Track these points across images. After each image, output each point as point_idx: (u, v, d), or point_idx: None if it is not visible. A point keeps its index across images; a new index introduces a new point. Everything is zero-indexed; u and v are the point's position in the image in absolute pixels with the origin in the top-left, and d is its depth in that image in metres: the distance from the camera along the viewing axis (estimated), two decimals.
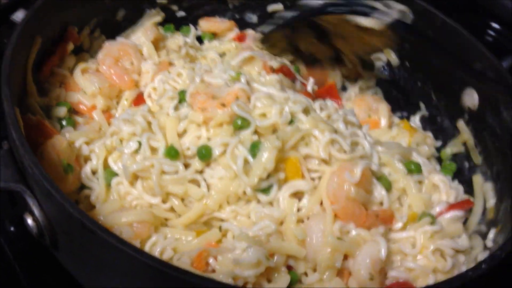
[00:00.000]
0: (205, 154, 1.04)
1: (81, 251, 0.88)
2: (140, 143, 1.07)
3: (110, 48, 1.30)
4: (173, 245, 0.96)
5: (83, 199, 1.05)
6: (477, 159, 1.31)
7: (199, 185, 1.05)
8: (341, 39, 1.40)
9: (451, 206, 1.16)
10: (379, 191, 1.11)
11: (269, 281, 0.95)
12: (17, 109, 0.96)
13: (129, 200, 1.03)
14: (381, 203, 1.11)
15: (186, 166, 1.07)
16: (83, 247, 0.86)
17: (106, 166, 1.08)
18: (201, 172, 1.06)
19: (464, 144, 1.35)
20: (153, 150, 1.07)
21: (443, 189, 1.21)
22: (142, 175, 1.04)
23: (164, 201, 1.04)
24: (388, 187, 1.12)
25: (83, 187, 1.08)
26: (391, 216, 1.11)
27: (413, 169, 1.19)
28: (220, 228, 1.00)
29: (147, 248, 0.96)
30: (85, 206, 1.04)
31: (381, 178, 1.13)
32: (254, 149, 1.02)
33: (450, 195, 1.21)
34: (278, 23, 1.31)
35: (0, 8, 1.55)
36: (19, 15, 1.54)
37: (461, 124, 1.37)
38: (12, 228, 1.08)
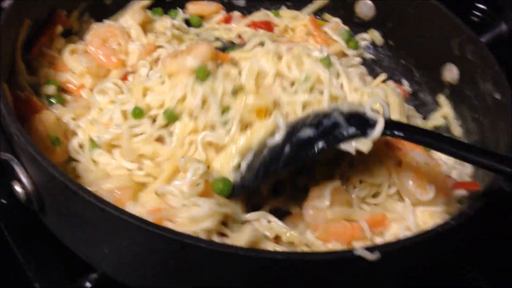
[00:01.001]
0: (170, 116, 1.10)
1: (66, 213, 0.92)
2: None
3: (97, 30, 1.34)
4: (139, 212, 0.98)
5: (71, 170, 1.09)
6: (457, 130, 1.34)
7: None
8: None
9: (460, 184, 1.13)
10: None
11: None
12: (5, 84, 1.01)
13: (109, 170, 1.08)
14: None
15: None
16: (67, 209, 0.90)
17: (92, 139, 1.13)
18: (166, 126, 1.11)
19: (445, 117, 1.39)
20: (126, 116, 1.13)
21: (446, 166, 1.20)
22: (116, 143, 1.08)
23: (141, 168, 1.08)
24: None
25: (70, 159, 1.12)
26: (383, 219, 1.09)
27: None
28: (157, 193, 1.02)
29: None
30: (72, 177, 1.07)
31: None
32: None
33: (454, 173, 1.19)
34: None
35: None
36: (7, 1, 1.58)
37: (441, 98, 1.41)
38: (3, 200, 1.12)
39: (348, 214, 1.07)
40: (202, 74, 1.13)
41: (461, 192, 1.12)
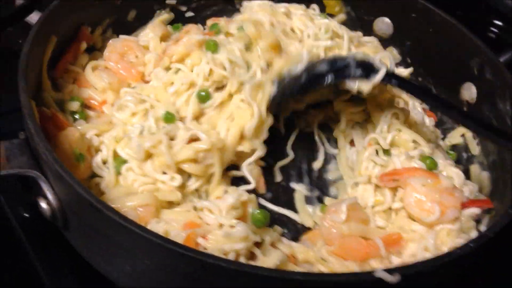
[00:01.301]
0: (204, 96, 1.21)
1: (90, 230, 0.94)
2: (142, 127, 1.16)
3: (114, 45, 1.37)
4: (164, 228, 1.01)
5: (94, 186, 1.11)
6: (475, 150, 1.35)
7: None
8: None
9: (472, 202, 1.14)
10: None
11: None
12: (32, 102, 1.04)
13: (136, 186, 1.09)
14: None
15: None
16: (91, 226, 0.92)
17: (116, 156, 1.15)
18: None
19: (463, 135, 1.39)
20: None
21: (457, 182, 1.21)
22: (154, 151, 1.10)
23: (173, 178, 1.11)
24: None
25: (94, 176, 1.14)
26: (398, 238, 1.11)
27: (429, 164, 1.21)
28: (195, 208, 1.05)
29: None
30: (96, 193, 1.09)
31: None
32: None
33: (465, 190, 1.20)
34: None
35: (15, 10, 1.63)
36: (33, 17, 1.62)
37: None
38: (26, 214, 1.14)
39: (363, 231, 1.08)
40: (213, 46, 1.24)
41: (475, 210, 1.13)
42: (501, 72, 1.27)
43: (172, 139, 1.13)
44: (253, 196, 1.09)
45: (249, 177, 1.20)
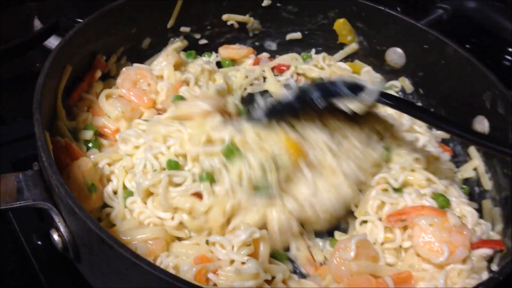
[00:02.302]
0: (207, 177, 1.13)
1: (100, 264, 0.95)
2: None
3: (127, 73, 1.39)
4: (174, 262, 1.01)
5: (105, 216, 1.12)
6: (487, 184, 1.34)
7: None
8: None
9: (483, 243, 1.13)
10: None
11: None
12: (47, 133, 1.05)
13: (142, 219, 1.10)
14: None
15: None
16: (102, 260, 0.92)
17: (124, 186, 1.16)
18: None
19: (475, 169, 1.38)
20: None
21: (470, 221, 1.19)
22: (154, 191, 1.10)
23: (173, 218, 1.11)
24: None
25: (105, 205, 1.15)
26: (408, 277, 1.09)
27: (441, 202, 1.20)
28: (207, 242, 1.05)
29: None
30: (106, 223, 1.11)
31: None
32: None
33: (477, 229, 1.19)
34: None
35: (34, 35, 1.66)
36: (51, 41, 1.65)
37: (472, 150, 1.40)
38: (39, 242, 1.15)
39: (373, 269, 1.07)
40: (230, 153, 1.15)
41: (487, 251, 1.11)
42: None
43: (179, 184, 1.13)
44: (265, 232, 1.08)
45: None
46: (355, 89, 1.18)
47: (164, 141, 1.20)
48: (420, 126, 1.43)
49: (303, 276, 1.14)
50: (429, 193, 1.21)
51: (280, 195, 1.14)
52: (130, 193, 1.14)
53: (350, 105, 1.17)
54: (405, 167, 1.26)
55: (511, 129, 1.26)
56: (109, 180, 1.18)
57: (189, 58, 1.55)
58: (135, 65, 1.44)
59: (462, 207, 1.22)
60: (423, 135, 1.40)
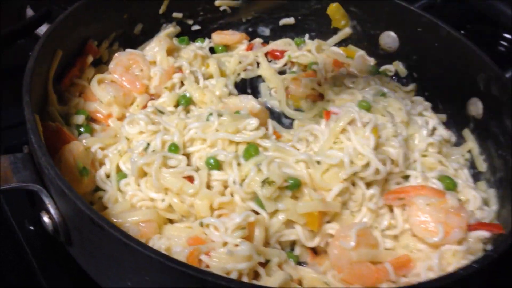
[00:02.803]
0: (214, 164, 1.12)
1: (92, 246, 0.94)
2: (148, 144, 1.16)
3: (120, 58, 1.38)
4: (166, 244, 1.01)
5: (97, 200, 1.12)
6: (482, 166, 1.33)
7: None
8: None
9: (481, 225, 1.12)
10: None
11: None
12: (37, 116, 1.04)
13: (134, 202, 1.10)
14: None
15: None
16: (93, 242, 0.92)
17: (118, 170, 1.15)
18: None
19: (469, 151, 1.38)
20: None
21: (472, 205, 1.20)
22: (148, 171, 1.10)
23: (163, 200, 1.10)
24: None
25: (98, 189, 1.14)
26: (407, 261, 1.09)
27: (448, 184, 1.20)
28: (201, 224, 1.04)
29: None
30: (98, 207, 1.10)
31: None
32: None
33: (477, 212, 1.19)
34: None
35: (26, 23, 1.65)
36: (43, 29, 1.63)
37: (466, 132, 1.40)
38: (31, 227, 1.15)
39: (373, 256, 1.07)
40: (249, 153, 1.14)
41: (484, 233, 1.10)
42: (507, 88, 1.26)
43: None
44: (261, 217, 1.07)
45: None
46: None
47: (184, 128, 1.20)
48: (427, 110, 1.45)
49: (300, 264, 1.13)
50: (436, 176, 1.21)
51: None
52: (124, 175, 1.14)
53: None
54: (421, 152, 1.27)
55: (504, 110, 1.26)
56: (102, 164, 1.18)
57: (182, 44, 1.55)
58: (128, 50, 1.43)
59: (467, 191, 1.22)
60: (432, 118, 1.41)
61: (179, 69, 1.43)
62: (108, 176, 1.16)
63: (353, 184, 1.15)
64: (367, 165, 1.14)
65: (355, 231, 1.05)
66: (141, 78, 1.37)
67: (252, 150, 1.13)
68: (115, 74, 1.36)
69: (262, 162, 1.10)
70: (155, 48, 1.45)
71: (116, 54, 1.40)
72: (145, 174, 1.12)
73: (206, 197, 1.08)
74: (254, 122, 1.18)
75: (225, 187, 1.12)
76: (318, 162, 1.15)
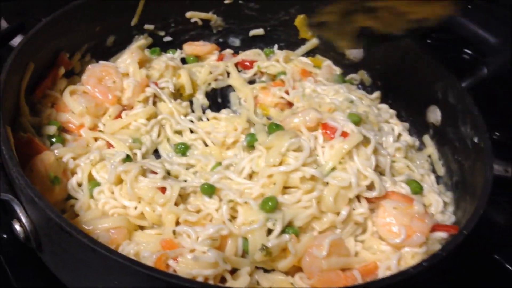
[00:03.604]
0: (208, 190, 1.16)
1: (62, 252, 0.98)
2: (128, 156, 1.20)
3: (92, 70, 1.41)
4: (135, 250, 1.05)
5: (69, 208, 1.15)
6: (440, 170, 1.40)
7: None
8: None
9: (439, 227, 1.16)
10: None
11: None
12: (8, 128, 1.08)
13: (107, 209, 1.13)
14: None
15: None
16: (63, 249, 0.96)
17: (91, 178, 1.19)
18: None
19: (429, 156, 1.44)
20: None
21: (435, 208, 1.25)
22: (125, 178, 1.14)
23: (136, 208, 1.14)
24: None
25: (69, 197, 1.18)
26: (374, 268, 1.13)
27: (414, 187, 1.25)
28: (174, 232, 1.08)
29: None
30: (70, 215, 1.14)
31: None
32: None
33: (438, 216, 1.24)
34: None
35: (0, 34, 1.67)
36: (17, 41, 1.66)
37: (426, 138, 1.47)
38: (4, 235, 1.18)
39: (343, 263, 1.11)
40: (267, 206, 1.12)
41: (442, 234, 1.15)
42: (462, 96, 1.33)
43: None
44: (237, 230, 1.09)
45: None
46: None
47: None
48: (392, 117, 1.51)
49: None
50: (404, 180, 1.26)
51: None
52: (97, 184, 1.17)
53: None
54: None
55: (460, 117, 1.33)
56: (73, 173, 1.21)
57: (153, 55, 1.59)
58: (101, 62, 1.46)
59: (431, 196, 1.28)
60: (397, 125, 1.48)
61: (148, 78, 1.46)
62: (80, 184, 1.19)
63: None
64: (371, 185, 1.18)
65: (328, 242, 1.09)
66: (113, 90, 1.40)
67: (272, 203, 1.11)
68: (88, 85, 1.39)
69: (274, 220, 1.10)
70: (127, 60, 1.48)
71: (89, 66, 1.43)
72: (120, 182, 1.16)
73: (173, 212, 1.12)
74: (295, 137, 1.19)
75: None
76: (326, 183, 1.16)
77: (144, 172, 1.16)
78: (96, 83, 1.39)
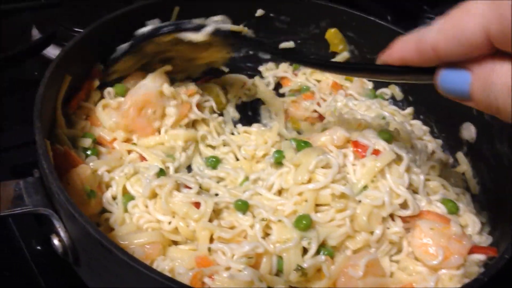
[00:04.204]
0: (242, 207, 1.16)
1: (99, 268, 0.98)
2: (161, 170, 1.21)
3: (133, 98, 1.33)
4: (170, 266, 1.04)
5: (103, 221, 1.15)
6: (475, 189, 1.38)
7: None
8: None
9: (477, 249, 1.14)
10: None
11: None
12: (47, 141, 1.09)
13: (141, 224, 1.13)
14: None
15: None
16: (101, 264, 0.96)
17: (125, 192, 1.19)
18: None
19: (463, 174, 1.42)
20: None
21: (471, 230, 1.22)
22: (159, 192, 1.14)
23: (170, 223, 1.13)
24: None
25: (104, 210, 1.18)
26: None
27: (450, 207, 1.22)
28: (209, 249, 1.08)
29: None
30: (105, 228, 1.14)
31: None
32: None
33: (475, 237, 1.21)
34: (116, 56, 1.38)
35: (32, 44, 1.70)
36: (49, 50, 1.69)
37: (460, 155, 1.45)
38: (38, 247, 1.19)
39: (379, 284, 1.09)
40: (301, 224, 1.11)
41: (480, 256, 1.13)
42: None
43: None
44: (272, 249, 1.08)
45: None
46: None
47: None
48: (425, 134, 1.50)
49: None
50: (440, 199, 1.23)
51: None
52: (131, 198, 1.17)
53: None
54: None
55: (496, 135, 1.31)
56: (108, 186, 1.21)
57: None
58: (142, 85, 1.35)
59: (467, 216, 1.25)
60: (430, 142, 1.45)
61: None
62: (114, 198, 1.19)
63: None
64: (404, 204, 1.17)
65: (365, 262, 1.07)
66: (153, 121, 1.34)
67: (307, 221, 1.10)
68: (127, 118, 1.32)
69: (309, 239, 1.09)
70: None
71: (130, 92, 1.35)
72: (154, 195, 1.16)
73: (207, 229, 1.11)
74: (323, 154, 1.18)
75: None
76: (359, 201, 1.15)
77: (178, 187, 1.16)
78: (136, 115, 1.32)
